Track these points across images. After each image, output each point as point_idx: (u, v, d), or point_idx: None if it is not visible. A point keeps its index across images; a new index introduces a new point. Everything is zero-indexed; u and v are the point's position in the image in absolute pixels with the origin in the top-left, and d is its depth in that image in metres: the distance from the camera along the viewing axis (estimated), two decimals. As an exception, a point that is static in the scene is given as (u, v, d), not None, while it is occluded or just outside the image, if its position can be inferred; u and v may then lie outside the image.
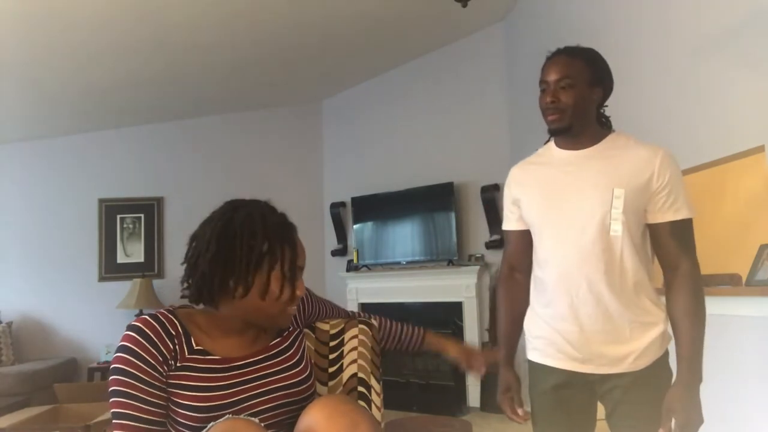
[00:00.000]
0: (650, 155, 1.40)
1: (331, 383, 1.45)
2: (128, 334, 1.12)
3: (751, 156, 1.98)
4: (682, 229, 1.40)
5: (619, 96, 3.12)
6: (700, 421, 1.33)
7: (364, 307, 5.27)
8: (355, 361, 1.47)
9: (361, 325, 1.53)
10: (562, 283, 1.45)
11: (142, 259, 5.42)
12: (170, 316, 1.18)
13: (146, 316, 1.16)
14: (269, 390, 1.20)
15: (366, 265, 5.31)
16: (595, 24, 3.23)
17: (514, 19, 4.54)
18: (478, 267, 4.67)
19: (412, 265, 5.03)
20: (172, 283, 5.11)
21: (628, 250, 1.40)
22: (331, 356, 1.48)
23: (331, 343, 1.50)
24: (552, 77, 1.44)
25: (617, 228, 1.39)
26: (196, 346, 1.17)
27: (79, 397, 3.19)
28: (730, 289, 2.00)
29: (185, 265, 1.22)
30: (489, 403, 4.39)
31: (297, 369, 1.26)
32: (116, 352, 1.12)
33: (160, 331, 1.14)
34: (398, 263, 5.11)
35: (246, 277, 1.17)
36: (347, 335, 1.50)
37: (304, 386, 1.25)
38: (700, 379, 1.35)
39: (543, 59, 1.51)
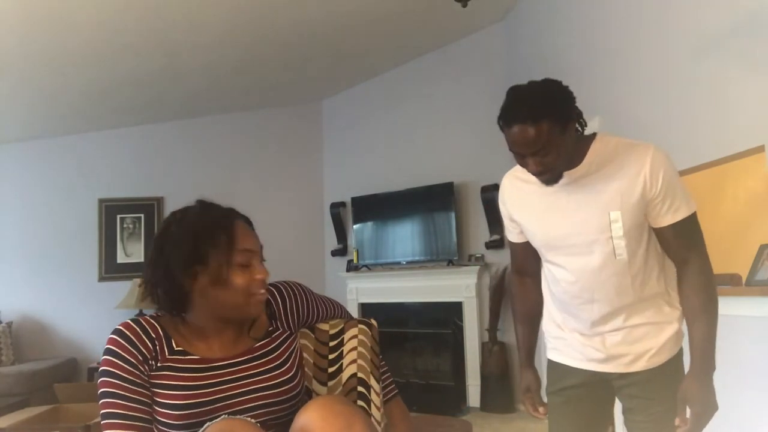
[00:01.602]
0: (638, 164, 1.35)
1: (330, 383, 1.45)
2: (111, 338, 1.18)
3: (751, 156, 1.97)
4: (685, 228, 1.39)
5: (620, 96, 3.11)
6: (715, 407, 1.35)
7: (364, 307, 5.28)
8: (354, 361, 1.46)
9: (360, 325, 1.53)
10: (573, 303, 1.49)
11: (142, 259, 5.41)
12: (152, 320, 1.24)
13: (128, 320, 1.22)
14: (249, 390, 1.21)
15: (366, 265, 5.31)
16: (594, 24, 3.23)
17: (514, 19, 4.53)
18: (478, 267, 4.67)
19: (412, 265, 5.03)
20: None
21: (636, 267, 1.41)
22: (331, 356, 1.48)
23: (331, 343, 1.49)
24: (527, 150, 1.31)
25: (621, 252, 1.39)
26: (177, 347, 1.21)
27: (79, 397, 3.20)
28: (730, 289, 2.00)
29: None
30: (489, 403, 4.40)
31: (281, 370, 1.26)
32: (102, 356, 1.17)
33: (140, 333, 1.19)
34: (398, 263, 5.10)
35: (186, 277, 1.19)
36: (347, 335, 1.50)
37: (287, 387, 1.25)
38: (713, 368, 1.36)
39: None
